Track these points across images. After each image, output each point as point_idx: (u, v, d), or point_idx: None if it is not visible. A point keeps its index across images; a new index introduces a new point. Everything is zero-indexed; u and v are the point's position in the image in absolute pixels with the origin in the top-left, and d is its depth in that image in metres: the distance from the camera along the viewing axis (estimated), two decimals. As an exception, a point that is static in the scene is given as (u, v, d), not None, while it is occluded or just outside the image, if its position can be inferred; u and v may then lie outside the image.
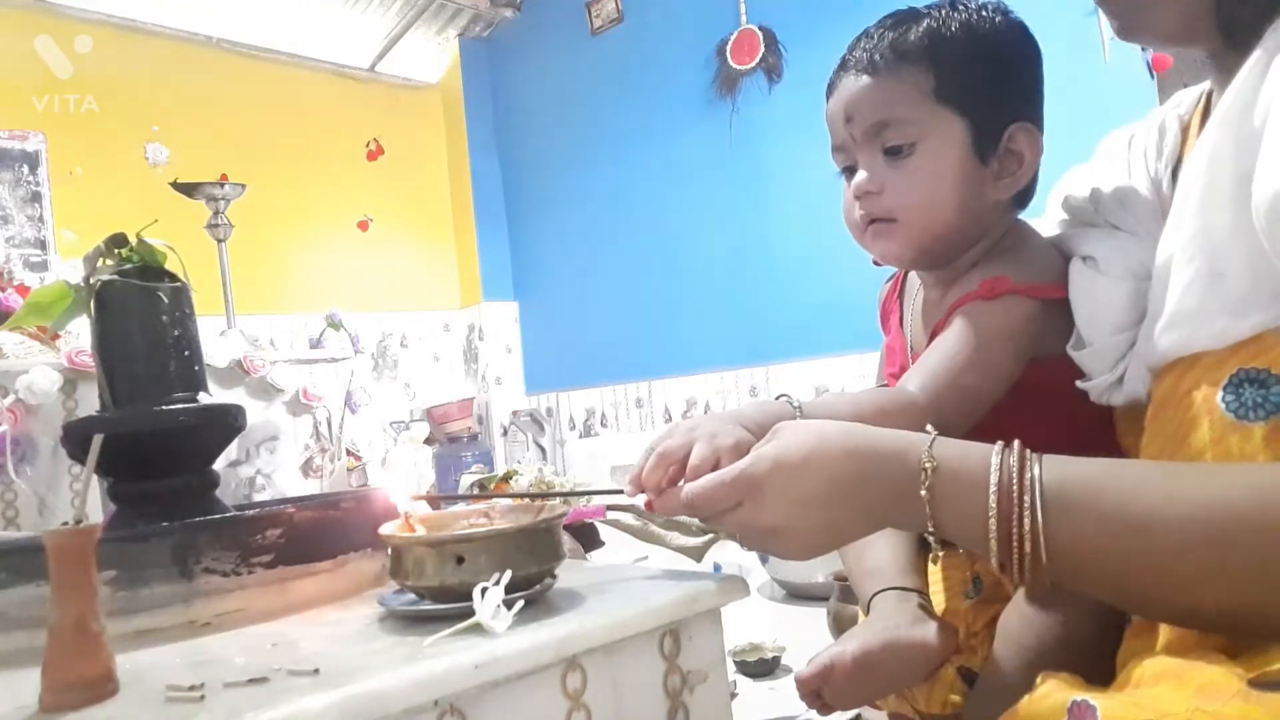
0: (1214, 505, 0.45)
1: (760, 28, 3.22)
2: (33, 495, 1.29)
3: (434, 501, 0.82)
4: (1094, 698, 0.41)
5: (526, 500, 0.74)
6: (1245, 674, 0.42)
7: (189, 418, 0.87)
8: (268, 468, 1.57)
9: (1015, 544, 0.48)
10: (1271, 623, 0.45)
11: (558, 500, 0.75)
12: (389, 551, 0.65)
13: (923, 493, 0.51)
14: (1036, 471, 0.49)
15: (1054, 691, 0.43)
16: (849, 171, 0.80)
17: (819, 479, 0.54)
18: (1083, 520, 0.48)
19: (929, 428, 0.56)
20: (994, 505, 0.49)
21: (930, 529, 0.52)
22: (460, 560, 0.61)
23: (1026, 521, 0.48)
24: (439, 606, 0.61)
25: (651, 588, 0.66)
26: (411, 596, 0.65)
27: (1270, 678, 0.41)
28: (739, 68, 3.28)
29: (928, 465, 0.52)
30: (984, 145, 0.75)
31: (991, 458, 0.51)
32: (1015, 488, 0.49)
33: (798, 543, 0.57)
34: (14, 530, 1.28)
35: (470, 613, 0.57)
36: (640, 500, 0.64)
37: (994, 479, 0.50)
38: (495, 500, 0.75)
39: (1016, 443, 0.52)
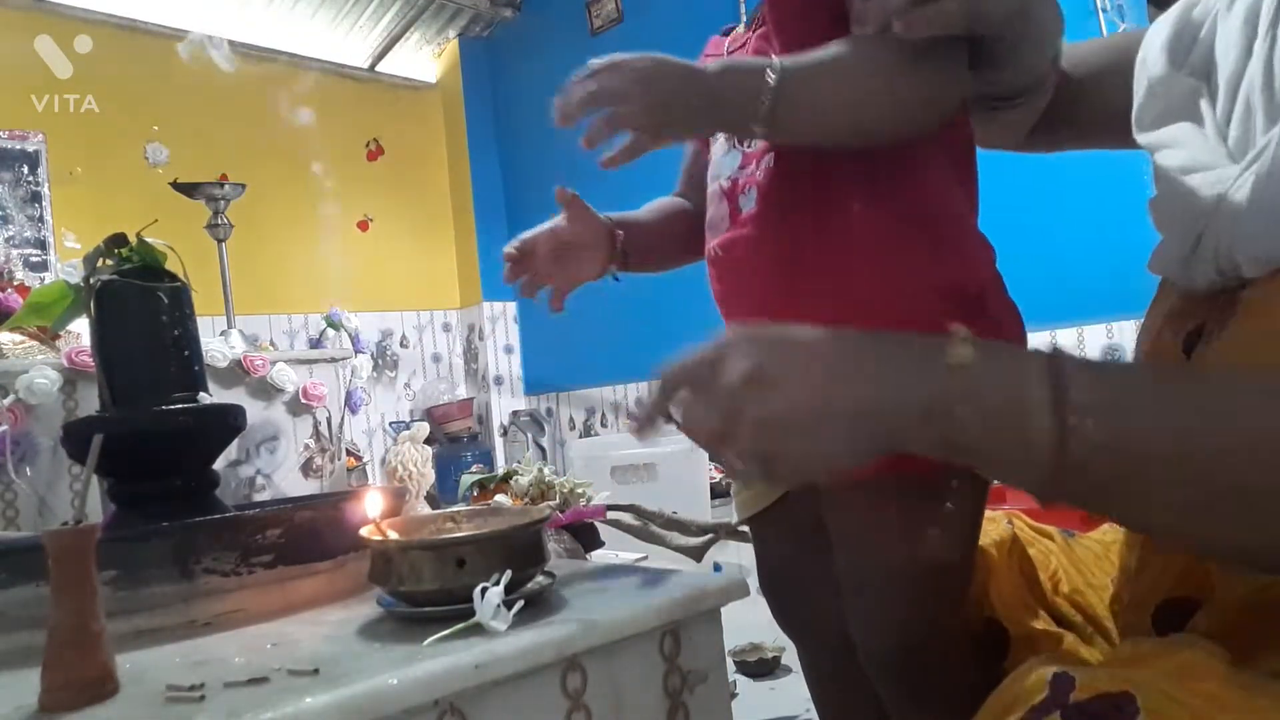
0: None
1: (760, 28, 3.21)
2: (33, 495, 1.29)
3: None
4: (1073, 669, 0.41)
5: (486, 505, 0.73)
6: (1230, 661, 0.41)
7: (189, 418, 0.87)
8: (268, 468, 1.57)
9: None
10: None
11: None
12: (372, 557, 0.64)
13: (949, 359, 0.43)
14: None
15: (1037, 666, 0.43)
16: None
17: (806, 329, 0.47)
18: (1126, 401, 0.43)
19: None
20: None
21: (957, 411, 0.43)
22: (461, 563, 0.60)
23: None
24: (439, 608, 0.61)
25: (651, 588, 0.66)
26: (411, 596, 0.65)
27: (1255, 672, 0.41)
28: (739, 68, 3.27)
29: (960, 333, 0.44)
30: None
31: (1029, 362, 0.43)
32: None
33: (795, 394, 0.44)
34: (14, 530, 1.28)
35: (470, 613, 0.57)
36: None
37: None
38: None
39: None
